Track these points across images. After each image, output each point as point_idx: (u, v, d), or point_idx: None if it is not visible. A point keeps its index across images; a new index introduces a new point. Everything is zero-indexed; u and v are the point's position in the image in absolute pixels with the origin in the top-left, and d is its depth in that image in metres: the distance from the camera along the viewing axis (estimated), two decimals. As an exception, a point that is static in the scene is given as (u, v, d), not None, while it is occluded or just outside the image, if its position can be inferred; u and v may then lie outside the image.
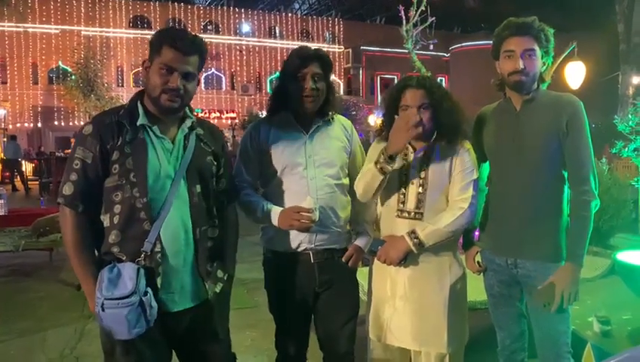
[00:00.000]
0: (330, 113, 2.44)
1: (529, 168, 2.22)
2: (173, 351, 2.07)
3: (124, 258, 1.85)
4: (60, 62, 27.68)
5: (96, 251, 1.93)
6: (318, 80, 2.33)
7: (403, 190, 2.32)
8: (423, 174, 2.29)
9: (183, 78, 1.90)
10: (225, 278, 2.06)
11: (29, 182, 17.18)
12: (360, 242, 2.45)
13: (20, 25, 26.96)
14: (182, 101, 1.94)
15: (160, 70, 1.89)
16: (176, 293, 1.93)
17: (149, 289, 1.81)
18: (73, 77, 25.28)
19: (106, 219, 1.89)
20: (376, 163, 2.22)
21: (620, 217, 5.82)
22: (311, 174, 2.34)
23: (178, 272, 1.92)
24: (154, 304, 1.81)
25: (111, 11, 29.17)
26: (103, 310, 1.76)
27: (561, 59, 8.13)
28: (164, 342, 1.96)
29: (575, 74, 10.17)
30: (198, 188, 1.98)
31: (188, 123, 2.02)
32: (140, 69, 1.99)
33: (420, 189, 2.28)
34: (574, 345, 2.29)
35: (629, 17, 17.93)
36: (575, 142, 2.16)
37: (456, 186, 2.27)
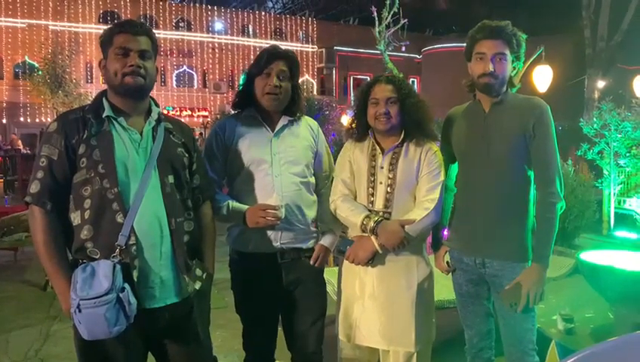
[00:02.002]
0: (298, 113, 2.46)
1: (496, 169, 2.26)
2: (150, 354, 2.04)
3: (97, 254, 1.82)
4: (26, 57, 26.96)
5: (67, 251, 1.89)
6: (283, 78, 2.34)
7: (371, 190, 2.35)
8: (391, 175, 2.32)
9: (140, 57, 1.91)
10: (204, 277, 2.03)
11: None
12: (326, 241, 2.47)
13: (-15, 18, 26.22)
14: (145, 80, 1.93)
15: (116, 56, 1.91)
16: (156, 288, 1.89)
17: (126, 285, 1.77)
18: (40, 72, 24.64)
19: (76, 217, 1.86)
20: (362, 223, 2.29)
21: (584, 218, 5.97)
22: (276, 171, 2.35)
23: (155, 266, 1.89)
24: (132, 300, 1.77)
25: (80, 6, 28.52)
26: (79, 311, 1.72)
27: (529, 62, 8.31)
28: (140, 341, 1.93)
29: (542, 77, 10.39)
30: (171, 178, 1.96)
31: (154, 115, 2.00)
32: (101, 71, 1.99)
33: (389, 189, 2.32)
34: (539, 343, 2.34)
35: (595, 22, 18.39)
36: (541, 145, 2.21)
37: (423, 188, 2.31)
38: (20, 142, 19.92)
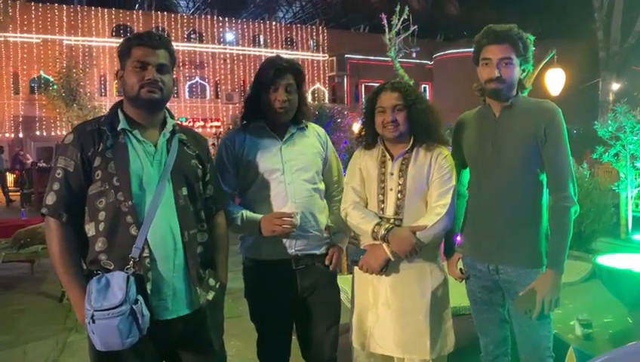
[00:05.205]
0: (304, 121, 2.48)
1: (508, 174, 2.24)
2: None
3: (111, 266, 1.83)
4: (41, 72, 27.37)
5: (82, 262, 1.91)
6: (290, 91, 2.35)
7: (382, 197, 2.34)
8: (401, 181, 2.32)
9: (157, 71, 1.92)
10: (217, 287, 2.03)
11: (10, 193, 16.92)
12: (338, 241, 2.49)
13: (1, 34, 26.64)
14: (162, 93, 1.94)
15: (134, 69, 1.91)
16: (169, 300, 1.90)
17: (139, 297, 1.78)
18: (55, 86, 25.00)
19: (90, 228, 1.87)
20: (373, 230, 2.29)
21: (601, 221, 5.88)
22: (288, 179, 2.36)
23: (168, 278, 1.90)
24: (146, 312, 1.78)
25: (93, 20, 28.92)
26: (93, 322, 1.73)
27: (541, 66, 8.25)
28: (154, 352, 1.93)
29: (555, 81, 10.33)
30: (184, 190, 1.97)
31: (169, 127, 2.01)
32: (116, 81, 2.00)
33: (399, 195, 2.31)
34: (557, 349, 2.30)
35: (608, 25, 18.28)
36: (553, 149, 2.18)
37: (435, 193, 2.30)
38: (27, 155, 20.29)
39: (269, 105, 2.35)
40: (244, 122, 2.48)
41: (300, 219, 2.29)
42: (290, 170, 2.37)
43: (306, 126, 2.50)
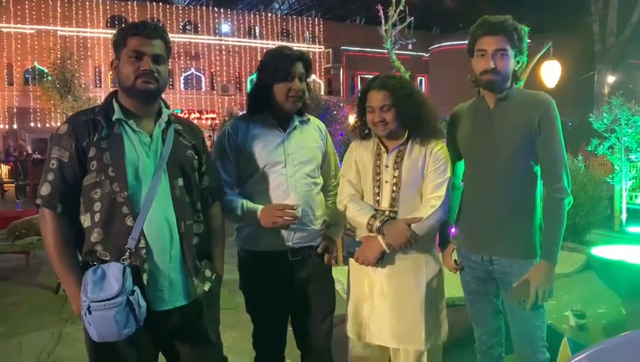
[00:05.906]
0: (307, 114, 2.48)
1: (502, 166, 2.24)
2: (161, 354, 2.05)
3: (107, 257, 1.83)
4: (35, 63, 27.22)
5: (78, 253, 1.90)
6: (302, 80, 2.35)
7: (377, 189, 2.35)
8: (396, 173, 2.32)
9: (153, 61, 1.90)
10: (213, 278, 2.03)
11: (4, 185, 16.86)
12: (331, 232, 2.50)
13: (-6, 25, 26.48)
14: (158, 84, 1.92)
15: (129, 59, 1.89)
16: (165, 291, 1.90)
17: (136, 288, 1.77)
18: (49, 77, 24.86)
19: (86, 219, 1.86)
20: (368, 223, 2.29)
21: (595, 213, 5.93)
22: (290, 172, 2.36)
23: (165, 269, 1.89)
24: (142, 302, 1.78)
25: (88, 11, 28.74)
26: (89, 313, 1.72)
27: (536, 58, 8.24)
28: (151, 343, 1.93)
29: (551, 73, 10.34)
30: (180, 181, 1.96)
31: (165, 117, 2.00)
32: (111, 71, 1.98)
33: (394, 188, 2.31)
34: (551, 339, 2.32)
35: (604, 18, 18.28)
36: (547, 140, 2.18)
37: (430, 185, 2.30)
38: (28, 147, 20.16)
39: (283, 96, 2.32)
40: (251, 112, 2.46)
41: (300, 211, 2.29)
42: (293, 163, 2.37)
43: (308, 119, 2.50)
